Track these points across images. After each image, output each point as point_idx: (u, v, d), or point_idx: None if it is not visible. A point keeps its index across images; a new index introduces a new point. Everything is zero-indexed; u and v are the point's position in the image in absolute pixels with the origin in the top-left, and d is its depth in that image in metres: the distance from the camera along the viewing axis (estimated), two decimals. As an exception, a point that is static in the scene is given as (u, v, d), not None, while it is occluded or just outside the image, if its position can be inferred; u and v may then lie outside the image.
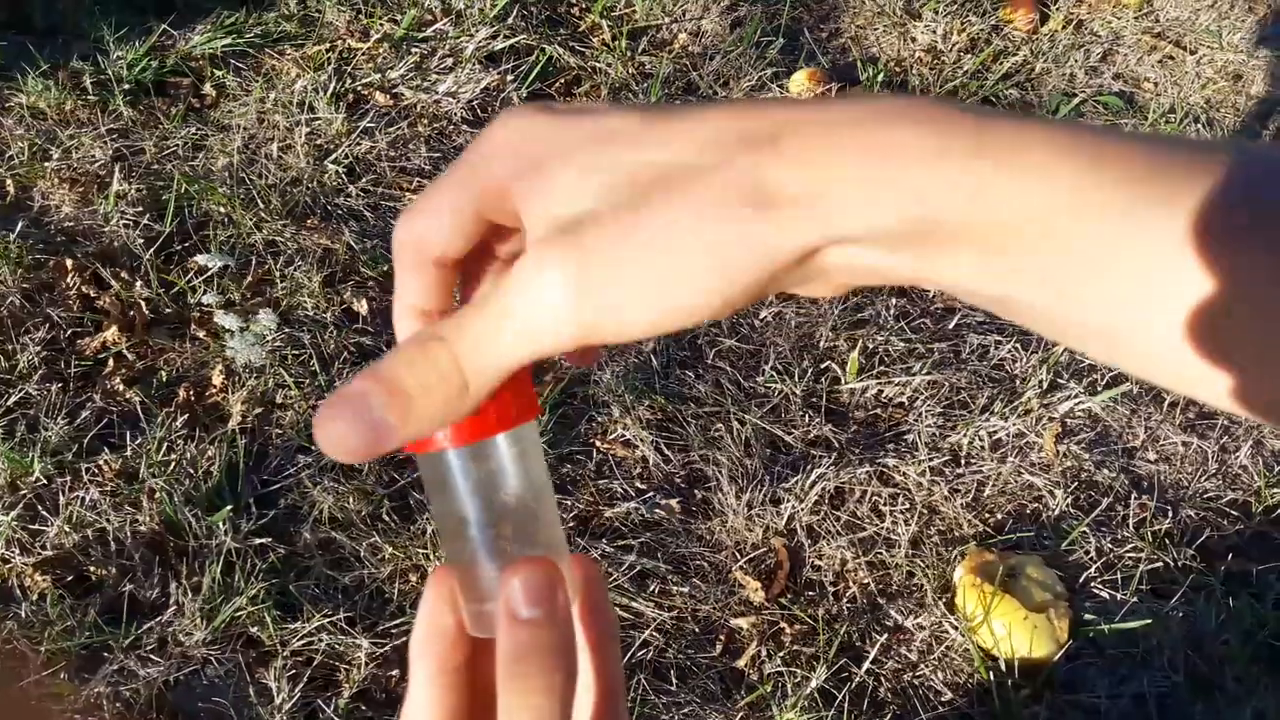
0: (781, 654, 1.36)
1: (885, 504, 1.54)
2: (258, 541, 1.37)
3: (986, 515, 1.55)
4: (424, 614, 0.42)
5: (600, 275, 0.29)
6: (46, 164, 1.83)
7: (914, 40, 2.42)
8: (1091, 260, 0.27)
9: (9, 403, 1.46)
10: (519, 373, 0.35)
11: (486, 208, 0.36)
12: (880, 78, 2.28)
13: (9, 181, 1.79)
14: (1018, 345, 1.77)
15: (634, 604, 1.39)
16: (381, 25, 2.21)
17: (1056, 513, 1.57)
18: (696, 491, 1.53)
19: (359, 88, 2.07)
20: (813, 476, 1.52)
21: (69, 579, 1.31)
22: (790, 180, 0.28)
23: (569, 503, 1.49)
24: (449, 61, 2.15)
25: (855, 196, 0.28)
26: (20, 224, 1.69)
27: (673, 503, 1.50)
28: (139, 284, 1.65)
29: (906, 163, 0.27)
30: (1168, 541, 1.54)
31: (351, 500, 1.43)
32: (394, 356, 0.31)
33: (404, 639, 1.31)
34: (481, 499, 0.39)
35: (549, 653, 0.37)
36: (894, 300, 1.82)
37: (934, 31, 2.42)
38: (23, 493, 1.37)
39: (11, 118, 1.89)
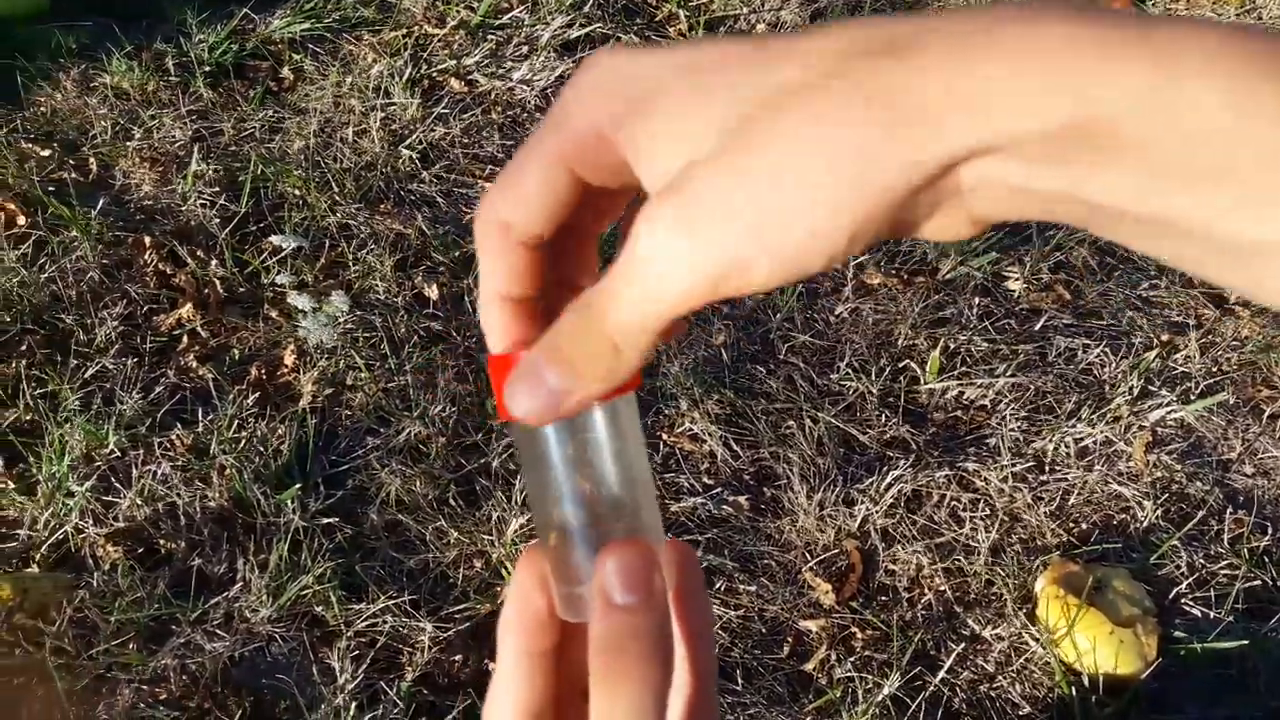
0: (852, 659, 1.31)
1: (965, 509, 1.48)
2: (325, 521, 1.36)
3: (1071, 525, 1.49)
4: (514, 594, 0.40)
5: (715, 222, 0.27)
6: (128, 143, 1.85)
7: (1000, 35, 2.35)
8: None
9: (86, 375, 1.47)
10: None
11: (583, 167, 0.33)
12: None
13: (92, 159, 1.81)
14: (1107, 350, 1.70)
15: (701, 601, 1.35)
16: (458, 12, 2.20)
17: (1145, 525, 1.50)
18: (766, 489, 1.49)
19: (434, 74, 2.06)
20: (889, 478, 1.47)
21: (139, 551, 1.32)
22: (928, 85, 0.25)
23: (637, 495, 1.46)
24: (524, 49, 2.14)
25: (1004, 98, 0.24)
26: (101, 201, 1.71)
27: (741, 499, 1.46)
28: (214, 263, 1.66)
29: (1063, 61, 0.24)
30: (1266, 559, 1.47)
31: (419, 484, 1.42)
32: (556, 327, 0.32)
33: (467, 624, 1.30)
34: (577, 474, 0.37)
35: (645, 641, 0.34)
36: (977, 300, 1.76)
37: (1022, 27, 2.35)
38: (97, 464, 1.38)
39: (96, 97, 1.92)
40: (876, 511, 1.44)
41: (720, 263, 0.27)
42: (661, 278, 0.28)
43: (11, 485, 1.36)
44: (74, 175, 1.77)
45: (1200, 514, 1.51)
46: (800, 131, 0.26)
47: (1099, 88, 0.24)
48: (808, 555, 1.41)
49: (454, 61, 2.08)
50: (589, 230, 0.38)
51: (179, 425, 1.44)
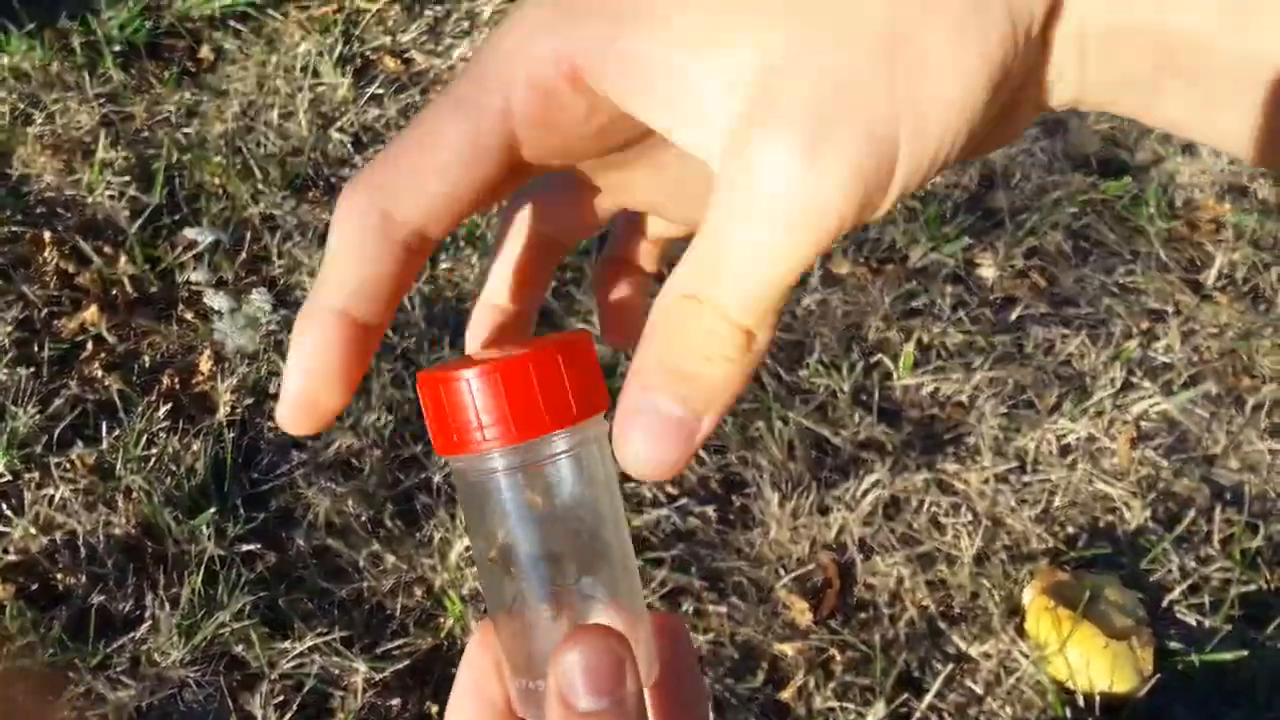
0: (832, 685, 1.21)
1: (945, 515, 1.38)
2: (244, 548, 1.22)
3: (1057, 529, 1.40)
4: (464, 677, 0.33)
5: (849, 123, 0.21)
6: (28, 129, 1.68)
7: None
8: None
9: (-26, 389, 1.32)
10: (581, 346, 0.29)
11: (529, 128, 0.25)
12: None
13: (-14, 147, 1.65)
14: (1086, 340, 1.62)
15: (665, 624, 1.24)
16: (393, -13, 2.06)
17: (1134, 527, 1.41)
18: (734, 498, 1.38)
19: (367, 52, 1.92)
20: (865, 483, 1.36)
21: (33, 588, 1.17)
22: None
23: (593, 508, 1.34)
24: (465, 25, 2.00)
25: None
26: (-4, 193, 1.55)
27: (708, 510, 1.35)
28: (123, 260, 1.50)
29: None
30: (1259, 561, 1.39)
31: (351, 503, 1.28)
32: (653, 342, 0.24)
33: (406, 663, 1.17)
34: (534, 523, 0.29)
35: None
36: (949, 289, 1.66)
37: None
38: (-16, 490, 1.23)
39: (-9, 79, 1.75)
40: (853, 520, 1.34)
41: (867, 173, 0.21)
42: (806, 214, 0.22)
43: (-114, 515, 1.20)
44: (-35, 165, 1.61)
45: (1189, 513, 1.42)
46: None
47: None
48: (781, 570, 1.30)
49: (389, 38, 1.93)
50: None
51: (80, 443, 1.30)
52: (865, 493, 1.36)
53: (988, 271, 1.72)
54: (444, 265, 1.57)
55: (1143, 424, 1.54)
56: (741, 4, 0.22)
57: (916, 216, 1.76)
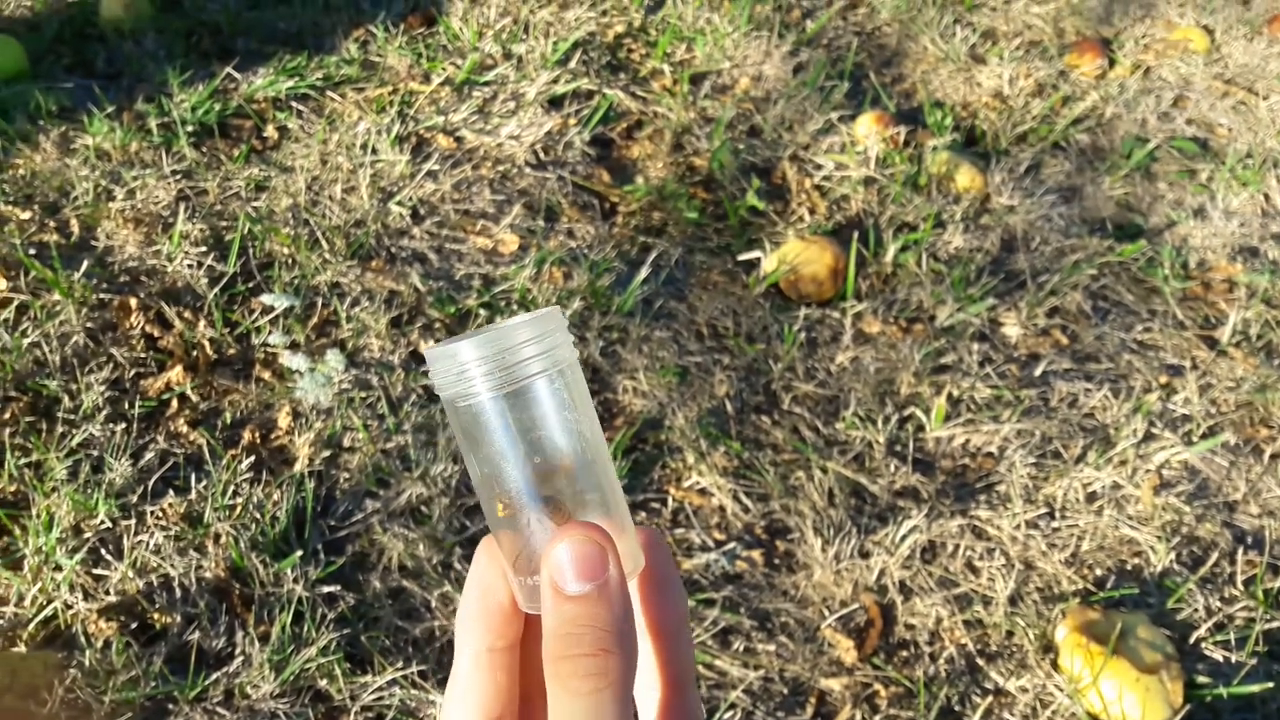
0: (877, 718, 1.28)
1: (980, 559, 1.46)
2: (326, 590, 1.31)
3: (1086, 571, 1.47)
4: (472, 586, 0.37)
5: None
6: (111, 204, 1.81)
7: (979, 85, 2.38)
8: None
9: (73, 443, 1.42)
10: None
11: None
12: (948, 121, 2.23)
13: (74, 221, 1.77)
14: (1108, 393, 1.70)
15: (718, 662, 1.31)
16: (443, 69, 2.19)
17: (1159, 569, 1.48)
18: (778, 543, 1.46)
19: (421, 130, 2.05)
20: (903, 529, 1.44)
21: (133, 626, 1.26)
22: None
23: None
24: (511, 105, 2.13)
25: None
26: (85, 263, 1.66)
27: (754, 554, 1.43)
28: (203, 324, 1.62)
29: None
30: (1281, 601, 1.45)
31: (422, 547, 1.37)
32: None
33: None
34: (526, 450, 0.35)
35: (601, 634, 0.32)
36: (976, 346, 1.76)
37: (999, 76, 2.39)
38: (86, 536, 1.32)
39: (77, 159, 1.88)
40: (893, 563, 1.42)
41: None
42: None
43: (-4, 560, 1.30)
44: (56, 238, 1.73)
45: (1213, 556, 1.49)
46: None
47: None
48: (825, 611, 1.37)
49: (441, 118, 2.06)
50: None
51: (171, 493, 1.39)
52: (904, 538, 1.44)
53: (1012, 330, 1.81)
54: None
55: (1165, 472, 1.61)
56: None
57: (943, 279, 1.86)
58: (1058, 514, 1.53)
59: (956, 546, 1.46)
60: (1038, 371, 1.73)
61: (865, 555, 1.43)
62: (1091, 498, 1.56)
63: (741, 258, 1.90)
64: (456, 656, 0.38)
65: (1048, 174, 2.17)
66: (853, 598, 1.39)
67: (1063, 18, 2.63)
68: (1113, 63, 2.50)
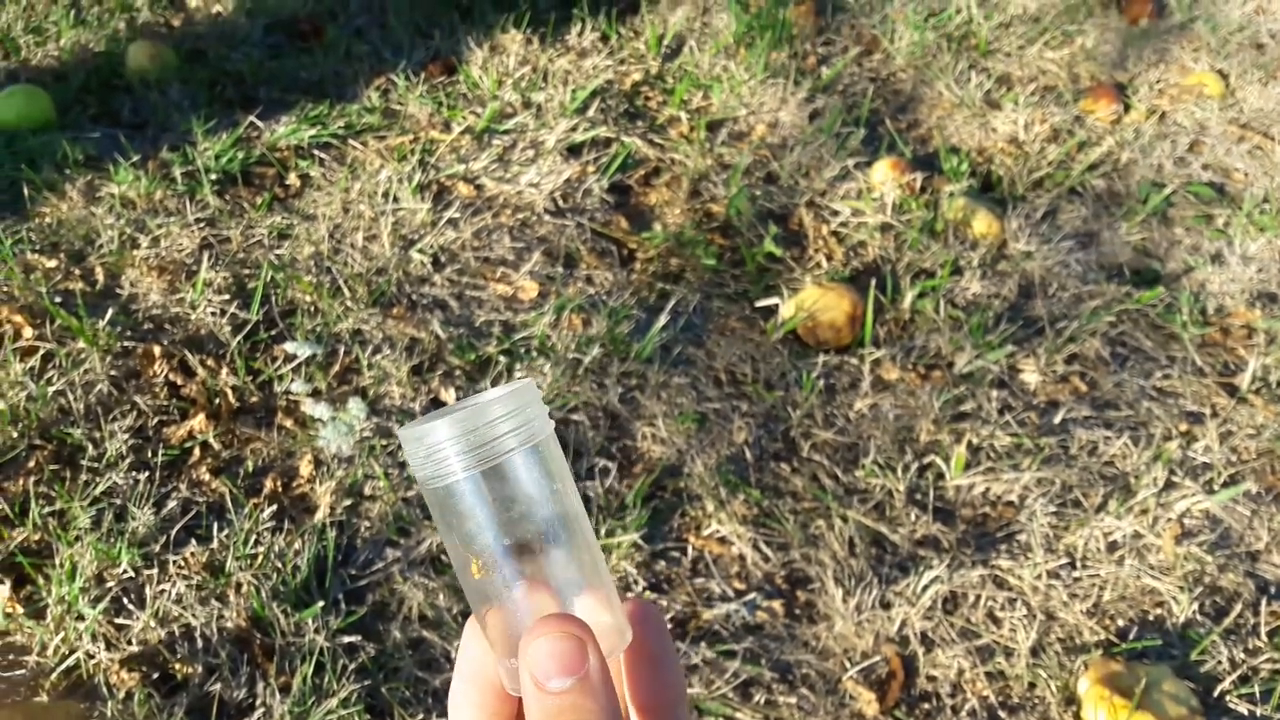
0: (900, 771, 1.27)
1: (1001, 609, 1.45)
2: (347, 640, 1.31)
3: (1108, 621, 1.46)
4: (462, 665, 0.38)
5: None
6: (136, 252, 1.83)
7: (995, 131, 2.40)
8: None
9: (96, 491, 1.43)
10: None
11: None
12: (964, 167, 2.25)
13: (99, 269, 1.79)
14: (1128, 441, 1.70)
15: (739, 715, 1.30)
16: (463, 118, 2.22)
17: (1182, 620, 1.47)
18: (799, 593, 1.46)
19: (442, 178, 2.07)
20: (925, 579, 1.44)
21: (154, 676, 1.26)
22: None
23: (664, 603, 1.42)
24: (530, 153, 2.16)
25: None
26: (110, 311, 1.68)
27: (775, 604, 1.43)
28: (225, 372, 1.63)
29: None
30: (1307, 653, 1.44)
31: (441, 597, 1.37)
32: None
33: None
34: (502, 529, 0.34)
35: None
36: (995, 393, 1.76)
37: (1015, 122, 2.40)
38: (109, 585, 1.33)
39: (102, 207, 1.91)
40: (914, 614, 1.41)
41: None
42: None
43: (19, 609, 1.30)
44: (81, 285, 1.75)
45: (1236, 607, 1.48)
46: None
47: None
48: (847, 663, 1.37)
49: (461, 166, 2.09)
50: None
51: (193, 542, 1.40)
52: (925, 588, 1.44)
53: (1030, 377, 1.81)
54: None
55: (1186, 521, 1.61)
56: None
57: (961, 326, 1.87)
58: (1079, 563, 1.52)
59: (978, 597, 1.46)
60: (1057, 419, 1.73)
61: (886, 606, 1.43)
62: (1113, 547, 1.55)
63: (759, 304, 1.91)
64: None
65: (1064, 219, 2.18)
66: (874, 649, 1.39)
67: (1077, 63, 2.65)
68: (1128, 108, 2.51)
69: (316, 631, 1.30)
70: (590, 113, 2.26)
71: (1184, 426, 1.76)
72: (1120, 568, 1.52)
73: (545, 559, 0.35)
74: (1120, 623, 1.46)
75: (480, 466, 0.33)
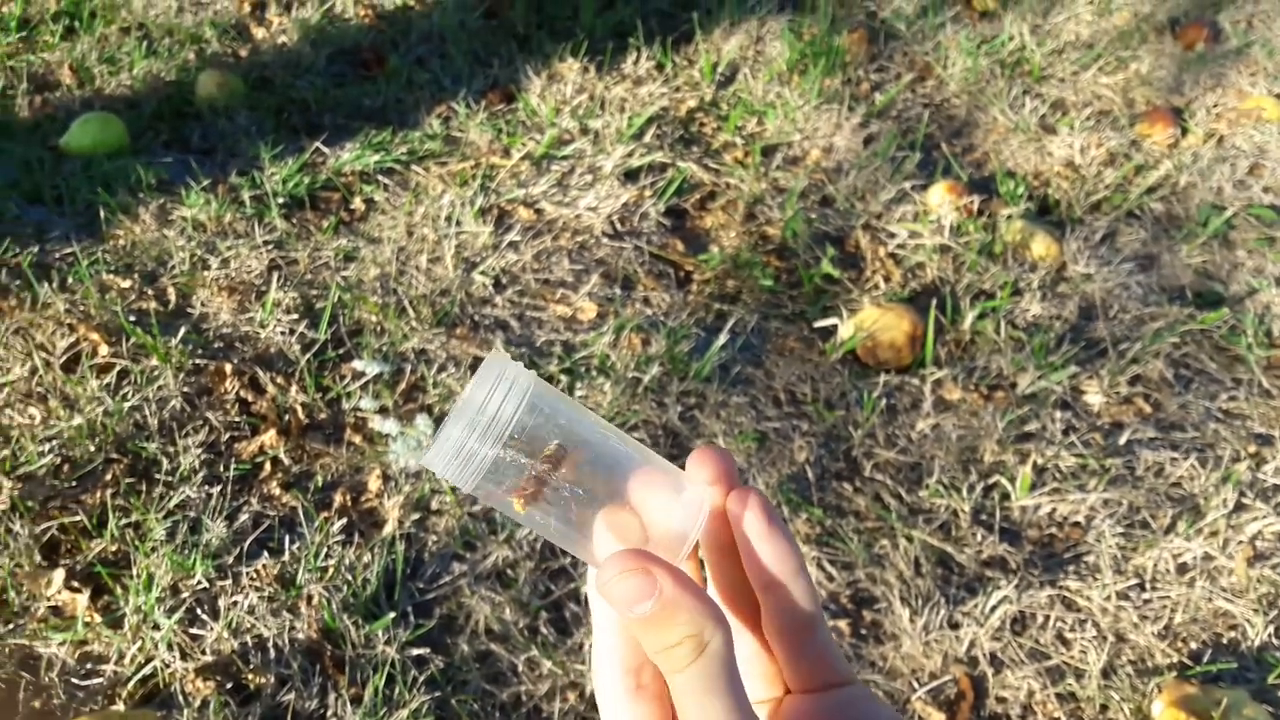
0: (972, 792, 1.25)
1: (1070, 630, 1.43)
2: (415, 652, 1.32)
3: (1180, 644, 1.44)
4: (596, 611, 0.42)
5: None
6: (206, 273, 1.87)
7: (1051, 155, 2.39)
8: None
9: (170, 504, 1.46)
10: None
11: None
12: (1021, 190, 2.24)
13: (171, 290, 1.84)
14: (1195, 463, 1.67)
15: (806, 731, 1.29)
16: (522, 144, 2.26)
17: (1257, 643, 1.44)
18: (865, 613, 1.45)
19: (503, 203, 2.10)
20: (994, 599, 1.43)
21: (229, 686, 1.28)
22: None
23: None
24: (588, 178, 2.19)
25: None
26: (182, 330, 1.72)
27: (841, 624, 1.42)
28: (295, 389, 1.66)
29: None
30: (1389, 679, 1.40)
31: (508, 611, 1.38)
32: None
33: (569, 761, 1.24)
34: (545, 463, 0.37)
35: (681, 633, 0.36)
36: (1058, 414, 1.74)
37: (1071, 146, 2.39)
38: (184, 596, 1.35)
39: (174, 229, 1.96)
40: (983, 634, 1.40)
41: None
42: None
43: (98, 618, 1.33)
44: (154, 305, 1.80)
45: (1314, 632, 1.45)
46: None
47: None
48: (915, 683, 1.36)
49: (521, 191, 2.12)
50: None
51: (265, 554, 1.42)
52: (993, 608, 1.42)
53: (1094, 398, 1.80)
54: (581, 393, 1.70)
55: (1258, 544, 1.58)
56: None
57: (1023, 347, 1.86)
58: (1148, 585, 1.50)
59: (1047, 618, 1.44)
60: (1122, 440, 1.71)
61: (954, 626, 1.42)
62: (1183, 569, 1.53)
63: (818, 324, 1.91)
64: (594, 619, 0.42)
65: (1123, 242, 2.16)
66: (943, 670, 1.37)
67: (1132, 88, 2.64)
68: (1185, 132, 2.50)
69: (386, 644, 1.31)
70: (646, 139, 2.29)
71: (1252, 448, 1.74)
72: (1191, 589, 1.49)
73: (592, 484, 0.38)
74: (1193, 645, 1.44)
75: (503, 436, 0.36)
